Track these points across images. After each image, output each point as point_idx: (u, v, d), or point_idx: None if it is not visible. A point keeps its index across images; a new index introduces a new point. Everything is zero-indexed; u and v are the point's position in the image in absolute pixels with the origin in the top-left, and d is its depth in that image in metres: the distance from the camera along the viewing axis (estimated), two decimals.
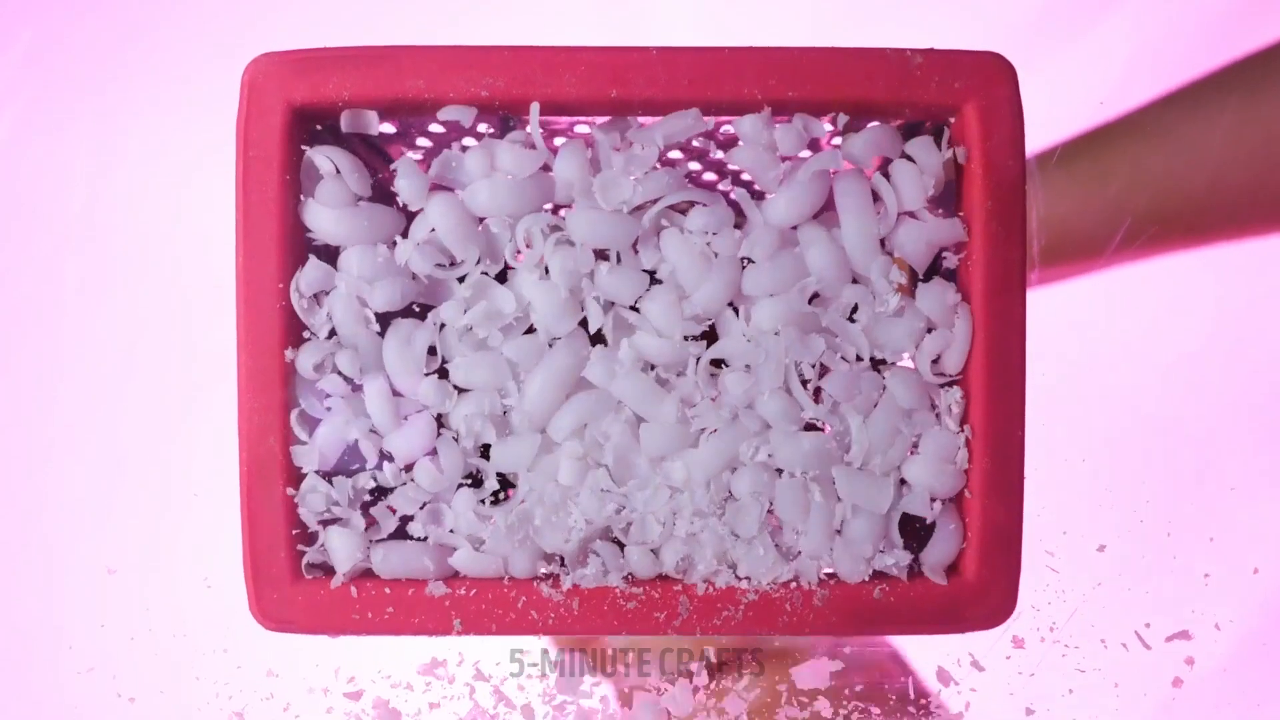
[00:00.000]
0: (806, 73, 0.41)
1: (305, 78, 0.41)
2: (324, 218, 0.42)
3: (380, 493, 0.44)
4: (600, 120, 0.43)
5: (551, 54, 0.41)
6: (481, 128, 0.43)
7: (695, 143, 0.47)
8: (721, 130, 0.45)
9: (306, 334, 0.42)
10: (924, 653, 0.55)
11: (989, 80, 0.41)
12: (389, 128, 0.43)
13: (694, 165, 0.49)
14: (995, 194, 0.41)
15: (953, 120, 0.42)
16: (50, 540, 0.59)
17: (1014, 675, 0.54)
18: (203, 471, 0.57)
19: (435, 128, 0.44)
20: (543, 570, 0.43)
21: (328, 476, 0.43)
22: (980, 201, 0.41)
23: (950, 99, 0.41)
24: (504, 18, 0.60)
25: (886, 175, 0.42)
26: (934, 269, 0.43)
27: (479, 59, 0.41)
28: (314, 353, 0.42)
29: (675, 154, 0.49)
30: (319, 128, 0.43)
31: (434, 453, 0.43)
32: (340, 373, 0.42)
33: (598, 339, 0.43)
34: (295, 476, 0.42)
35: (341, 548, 0.42)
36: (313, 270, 0.42)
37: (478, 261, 0.42)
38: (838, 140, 0.45)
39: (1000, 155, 0.41)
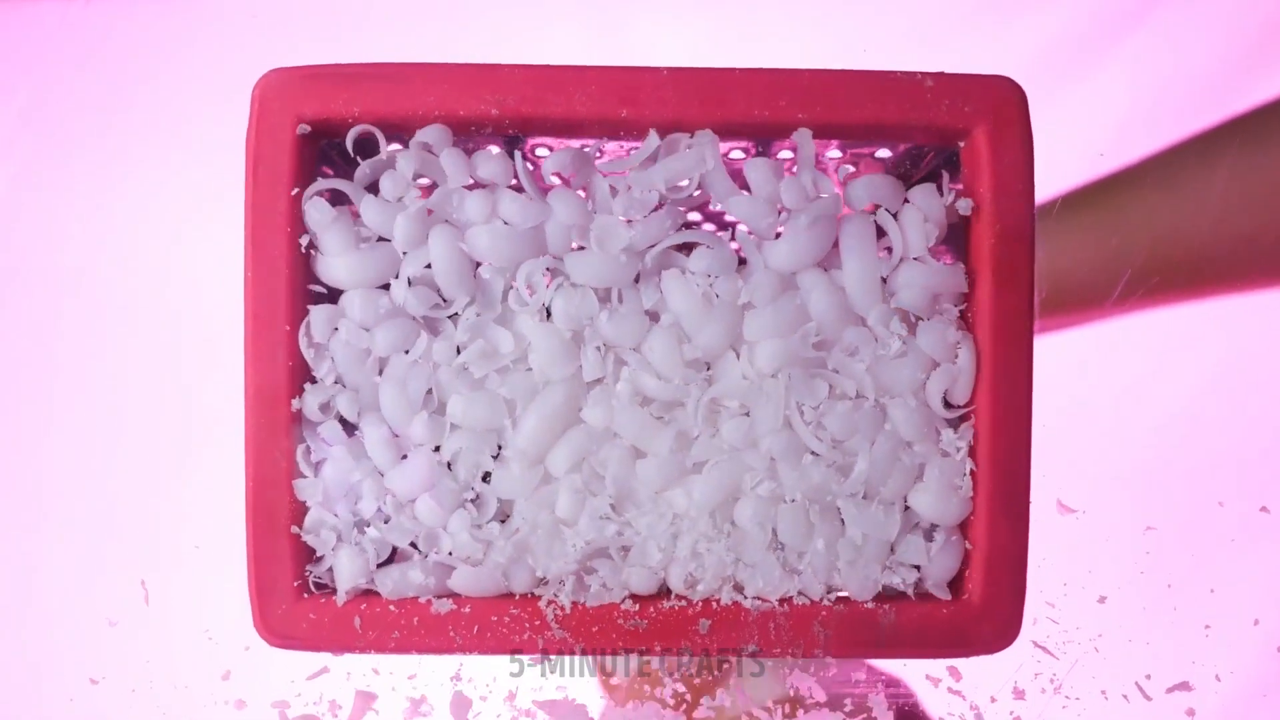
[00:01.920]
0: (817, 94, 0.41)
1: (315, 93, 0.41)
2: (330, 265, 0.42)
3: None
4: (608, 144, 0.43)
5: (561, 73, 0.41)
6: (493, 149, 0.43)
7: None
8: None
9: (308, 382, 0.43)
10: (926, 706, 0.55)
11: (999, 103, 0.41)
12: (397, 148, 0.44)
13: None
14: (1004, 216, 0.42)
15: (963, 144, 0.42)
16: (50, 591, 0.59)
17: None
18: (203, 523, 0.57)
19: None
20: (542, 589, 0.43)
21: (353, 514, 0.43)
22: (989, 223, 0.42)
23: (961, 122, 0.41)
24: (514, 38, 0.61)
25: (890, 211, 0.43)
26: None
27: (489, 77, 0.41)
28: (319, 395, 0.42)
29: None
30: (326, 144, 0.43)
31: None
32: (340, 415, 0.43)
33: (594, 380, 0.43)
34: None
35: (347, 568, 0.42)
36: (321, 315, 0.42)
37: (471, 303, 0.42)
38: (837, 158, 0.45)
39: (1010, 177, 0.42)
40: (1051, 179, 0.60)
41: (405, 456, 0.43)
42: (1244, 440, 0.60)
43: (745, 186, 0.43)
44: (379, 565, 0.43)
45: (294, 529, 0.42)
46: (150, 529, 0.58)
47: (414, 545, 0.43)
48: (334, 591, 0.43)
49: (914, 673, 0.54)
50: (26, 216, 0.61)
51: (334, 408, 0.43)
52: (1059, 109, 0.61)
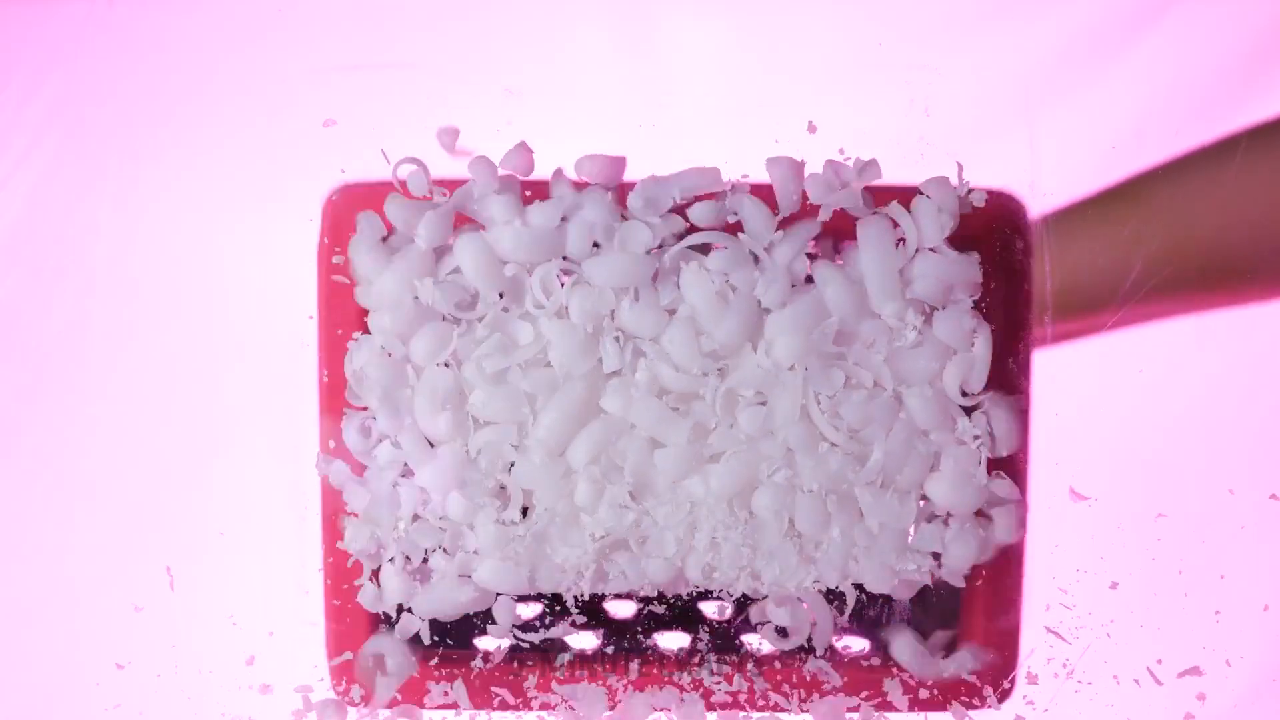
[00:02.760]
0: None
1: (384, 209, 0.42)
2: (368, 292, 0.43)
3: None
4: None
5: None
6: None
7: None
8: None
9: (346, 409, 0.44)
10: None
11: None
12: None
13: None
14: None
15: None
16: (76, 577, 0.59)
17: (1028, 711, 0.55)
18: (228, 509, 0.57)
19: None
20: (564, 586, 0.44)
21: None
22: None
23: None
24: (539, 38, 0.61)
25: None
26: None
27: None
28: (359, 419, 0.43)
29: None
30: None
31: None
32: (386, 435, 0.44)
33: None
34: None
35: (391, 584, 0.43)
36: (362, 346, 0.43)
37: (500, 296, 0.43)
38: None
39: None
40: (1065, 179, 0.59)
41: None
42: (1254, 428, 0.60)
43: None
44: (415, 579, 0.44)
45: (339, 544, 0.44)
46: (175, 515, 0.58)
47: (441, 548, 0.44)
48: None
49: None
50: (55, 210, 0.61)
51: (374, 433, 0.43)
52: (1072, 109, 0.61)
